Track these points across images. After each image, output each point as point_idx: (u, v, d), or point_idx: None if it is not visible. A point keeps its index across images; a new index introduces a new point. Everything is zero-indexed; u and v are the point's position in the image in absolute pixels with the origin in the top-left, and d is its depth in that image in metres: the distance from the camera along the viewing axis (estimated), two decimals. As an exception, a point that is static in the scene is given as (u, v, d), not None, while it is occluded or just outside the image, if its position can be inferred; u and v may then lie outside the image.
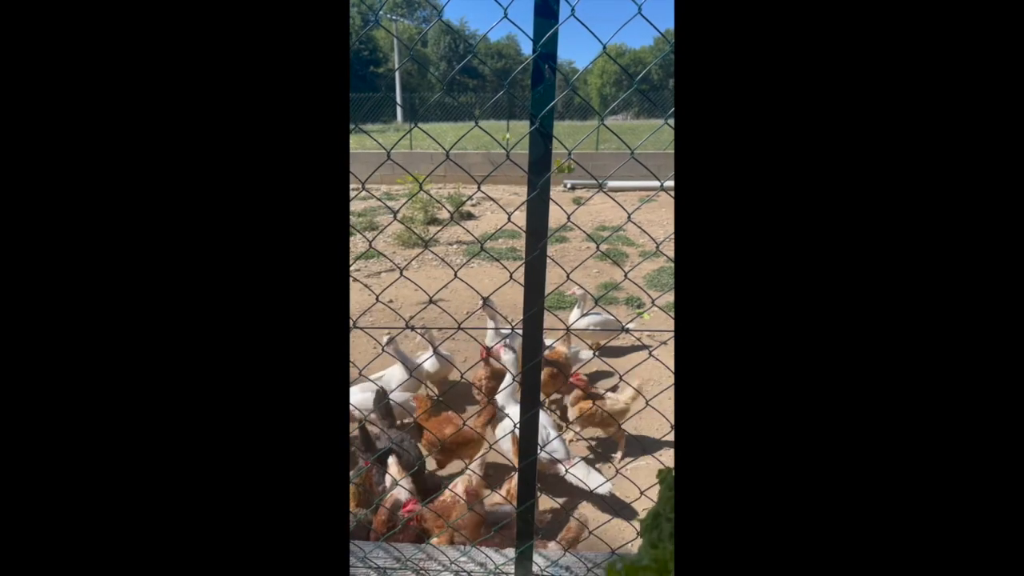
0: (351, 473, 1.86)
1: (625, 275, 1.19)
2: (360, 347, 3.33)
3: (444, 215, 7.18)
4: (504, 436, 2.14)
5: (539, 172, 0.95)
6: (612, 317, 3.28)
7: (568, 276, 1.37)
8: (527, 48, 0.91)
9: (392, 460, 1.80)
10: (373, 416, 2.21)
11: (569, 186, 9.25)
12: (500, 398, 2.35)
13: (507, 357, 2.40)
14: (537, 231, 1.00)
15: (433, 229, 6.27)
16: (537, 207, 0.98)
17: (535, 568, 1.27)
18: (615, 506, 2.16)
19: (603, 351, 3.42)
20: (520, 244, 5.27)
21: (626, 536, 2.05)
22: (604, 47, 0.92)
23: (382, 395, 2.17)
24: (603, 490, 2.06)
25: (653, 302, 1.14)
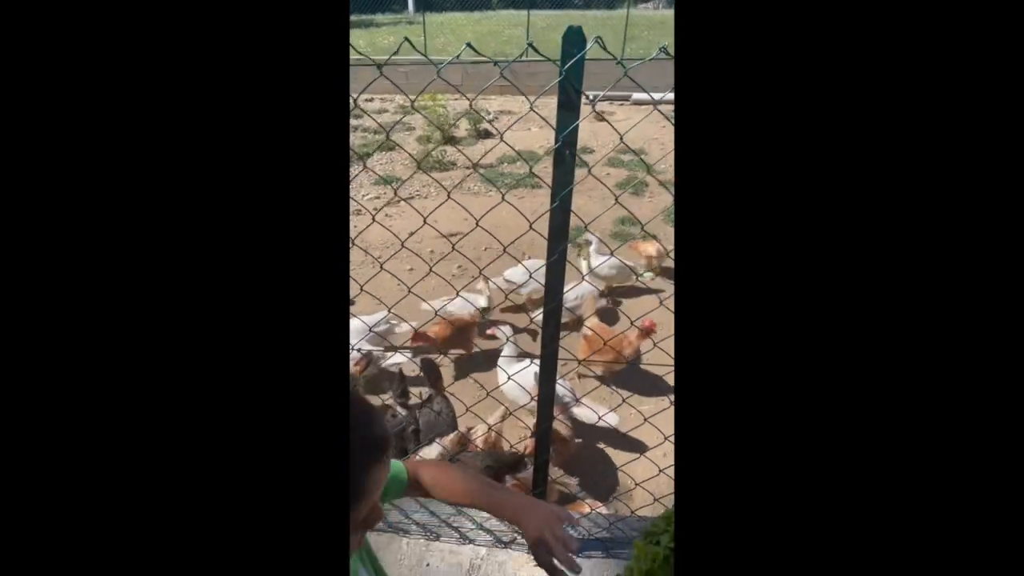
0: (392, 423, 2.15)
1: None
2: (384, 284, 3.54)
3: (461, 133, 7.03)
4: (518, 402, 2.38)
5: (558, 240, 1.07)
6: (626, 266, 3.40)
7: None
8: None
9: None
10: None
11: (592, 97, 8.80)
12: (502, 361, 2.57)
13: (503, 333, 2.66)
14: (557, 236, 1.12)
15: (451, 149, 6.20)
16: (555, 271, 1.10)
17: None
18: (625, 441, 2.45)
19: (614, 293, 3.61)
20: (540, 168, 5.22)
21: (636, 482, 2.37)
22: None
23: (428, 363, 2.39)
24: (611, 419, 2.33)
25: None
